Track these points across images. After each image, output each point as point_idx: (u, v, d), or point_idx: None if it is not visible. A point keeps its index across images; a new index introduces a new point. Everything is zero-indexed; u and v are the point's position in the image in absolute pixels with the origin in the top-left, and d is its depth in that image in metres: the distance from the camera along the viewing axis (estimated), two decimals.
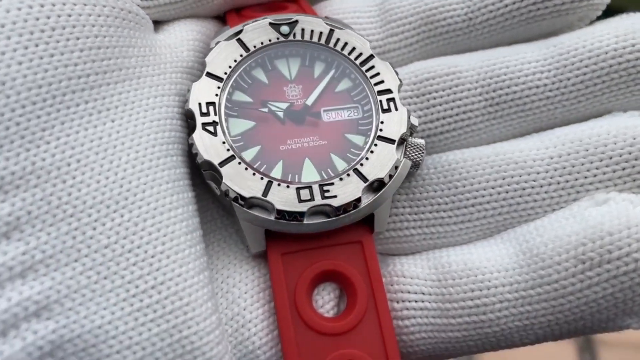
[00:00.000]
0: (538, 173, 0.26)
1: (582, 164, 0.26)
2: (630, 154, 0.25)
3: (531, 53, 0.28)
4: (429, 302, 0.25)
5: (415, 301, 0.25)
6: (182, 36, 0.28)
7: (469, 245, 0.26)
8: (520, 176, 0.26)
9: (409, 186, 0.27)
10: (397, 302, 0.25)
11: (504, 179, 0.26)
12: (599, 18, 0.30)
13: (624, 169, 0.25)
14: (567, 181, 0.26)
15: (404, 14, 0.29)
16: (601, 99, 0.27)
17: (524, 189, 0.26)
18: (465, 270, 0.24)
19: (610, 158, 0.25)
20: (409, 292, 0.25)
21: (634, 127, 0.25)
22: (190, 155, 0.25)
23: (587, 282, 0.23)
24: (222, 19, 0.30)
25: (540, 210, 0.26)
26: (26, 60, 0.21)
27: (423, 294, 0.25)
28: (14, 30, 0.21)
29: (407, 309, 0.25)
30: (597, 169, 0.25)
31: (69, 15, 0.23)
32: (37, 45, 0.22)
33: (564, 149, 0.26)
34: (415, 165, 0.26)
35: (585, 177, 0.25)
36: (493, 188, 0.26)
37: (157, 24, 0.29)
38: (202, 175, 0.25)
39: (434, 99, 0.28)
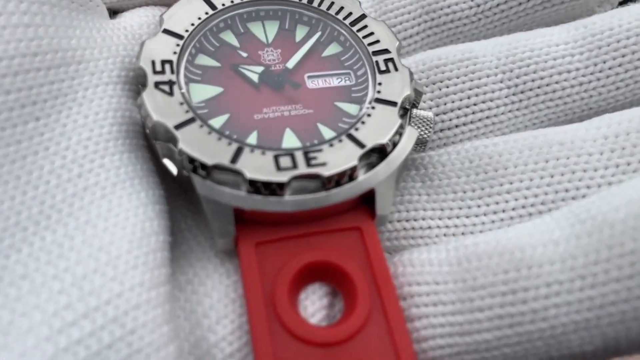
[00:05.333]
0: (590, 155, 0.21)
1: None
2: None
3: (558, 35, 0.24)
4: (445, 294, 0.18)
5: (427, 294, 0.18)
6: (142, 20, 0.23)
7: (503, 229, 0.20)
8: (567, 158, 0.21)
9: (425, 173, 0.22)
10: (403, 298, 0.19)
11: (547, 161, 0.21)
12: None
13: None
14: (629, 163, 0.20)
15: (401, 3, 0.26)
16: None
17: (573, 172, 0.21)
18: (497, 247, 0.18)
19: None
20: (418, 284, 0.19)
21: None
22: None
23: None
24: None
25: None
26: None
27: (437, 283, 0.18)
28: None
29: (416, 305, 0.18)
30: None
31: None
32: None
33: (621, 129, 0.21)
34: (422, 143, 0.21)
35: None
36: (534, 172, 0.21)
37: (113, 15, 0.25)
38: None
39: (447, 87, 0.23)
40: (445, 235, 0.21)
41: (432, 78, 0.23)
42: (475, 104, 0.23)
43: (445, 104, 0.23)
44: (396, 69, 0.22)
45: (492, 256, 0.18)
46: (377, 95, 0.21)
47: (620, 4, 0.27)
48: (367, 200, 0.20)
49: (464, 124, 0.23)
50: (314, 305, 0.19)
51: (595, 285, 0.16)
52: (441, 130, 0.23)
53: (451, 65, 0.24)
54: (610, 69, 0.23)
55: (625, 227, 0.16)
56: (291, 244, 0.19)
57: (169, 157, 0.19)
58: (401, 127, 0.20)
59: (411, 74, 0.22)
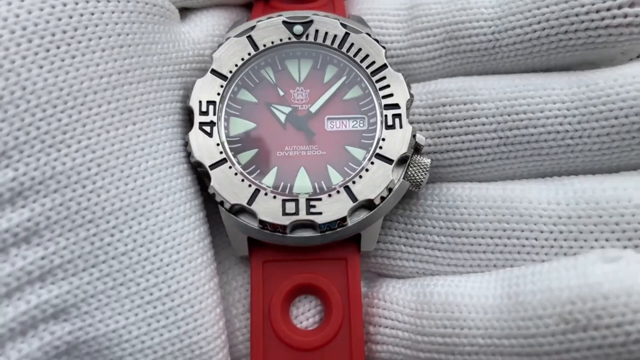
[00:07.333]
0: (542, 232, 0.24)
1: (592, 232, 0.23)
2: None
3: (559, 90, 0.25)
4: (402, 331, 0.24)
5: (390, 328, 0.24)
6: (208, 31, 0.27)
7: (462, 275, 0.25)
8: (522, 231, 0.24)
9: (409, 215, 0.26)
10: (373, 325, 0.25)
11: (504, 230, 0.24)
12: None
13: None
14: (571, 247, 0.24)
15: (429, 24, 0.27)
16: (629, 155, 0.25)
17: (523, 246, 0.24)
18: (444, 304, 0.23)
19: (628, 224, 0.23)
20: (385, 318, 0.24)
21: None
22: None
23: (566, 346, 0.20)
24: (251, 7, 0.30)
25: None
26: (47, 63, 0.21)
27: (398, 321, 0.24)
28: (36, 32, 0.21)
29: (380, 334, 0.24)
30: (606, 240, 0.23)
31: (92, 14, 0.22)
32: (58, 47, 0.21)
33: (577, 210, 0.24)
34: (416, 185, 0.25)
35: (594, 244, 0.23)
36: (492, 238, 0.25)
37: (184, 11, 0.28)
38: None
39: (447, 128, 0.26)
40: (417, 273, 0.26)
41: (436, 116, 0.26)
42: (468, 149, 0.26)
43: (441, 144, 0.26)
44: (401, 126, 0.25)
45: (439, 310, 0.23)
46: (378, 151, 0.25)
47: None
48: (354, 238, 0.25)
49: (457, 165, 0.26)
50: (310, 314, 0.25)
51: (503, 354, 0.22)
52: (436, 167, 0.26)
53: (455, 106, 0.26)
54: (598, 136, 0.25)
55: (533, 314, 0.21)
56: (290, 265, 0.25)
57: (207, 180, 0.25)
58: (392, 183, 0.24)
59: (414, 130, 0.25)
